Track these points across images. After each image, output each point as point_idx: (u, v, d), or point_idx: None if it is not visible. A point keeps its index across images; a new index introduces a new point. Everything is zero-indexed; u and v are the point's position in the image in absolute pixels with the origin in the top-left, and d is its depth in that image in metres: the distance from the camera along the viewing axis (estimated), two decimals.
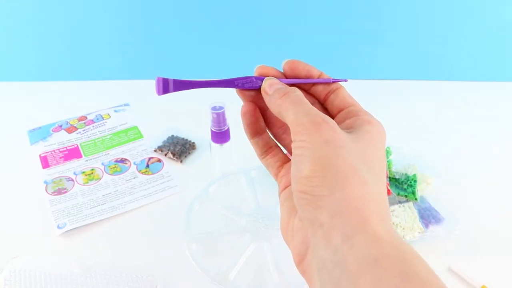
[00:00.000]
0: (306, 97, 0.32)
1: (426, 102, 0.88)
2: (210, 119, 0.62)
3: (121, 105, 0.88)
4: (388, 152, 0.70)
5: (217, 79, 0.33)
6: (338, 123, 0.31)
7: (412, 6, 0.87)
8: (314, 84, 0.33)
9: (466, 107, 0.87)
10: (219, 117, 0.61)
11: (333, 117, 0.32)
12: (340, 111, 0.32)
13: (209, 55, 0.94)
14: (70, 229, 0.62)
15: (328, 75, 0.34)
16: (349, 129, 0.30)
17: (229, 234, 0.60)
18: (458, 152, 0.75)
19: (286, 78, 0.33)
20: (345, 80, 0.34)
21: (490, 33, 0.88)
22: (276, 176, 0.34)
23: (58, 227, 0.62)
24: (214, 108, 0.60)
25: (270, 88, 0.32)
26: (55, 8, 0.89)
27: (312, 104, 0.33)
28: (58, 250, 0.60)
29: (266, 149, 0.34)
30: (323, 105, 0.34)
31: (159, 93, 0.33)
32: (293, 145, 0.29)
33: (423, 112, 0.85)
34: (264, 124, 0.34)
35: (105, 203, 0.66)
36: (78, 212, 0.65)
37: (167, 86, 0.32)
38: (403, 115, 0.84)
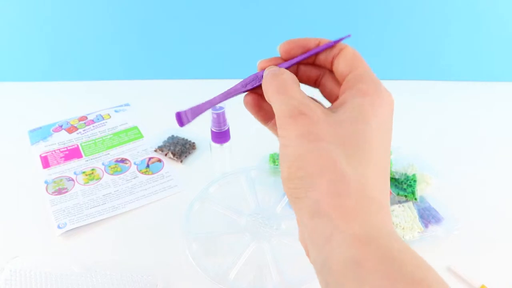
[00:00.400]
0: (314, 70, 0.30)
1: (426, 102, 0.88)
2: (210, 119, 0.62)
3: (122, 105, 0.89)
4: None
5: (222, 93, 0.33)
6: (341, 93, 0.28)
7: (411, 6, 0.87)
8: (317, 54, 0.31)
9: (466, 107, 0.87)
10: (219, 117, 0.61)
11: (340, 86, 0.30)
12: (345, 77, 0.29)
13: (209, 55, 0.94)
14: (71, 229, 0.62)
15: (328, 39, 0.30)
16: (342, 105, 0.27)
17: (229, 234, 0.60)
18: (458, 152, 0.75)
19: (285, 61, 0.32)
20: (348, 36, 0.31)
21: (490, 33, 0.88)
22: None
23: (59, 227, 0.62)
24: (214, 108, 0.60)
25: (267, 76, 0.30)
26: (55, 9, 0.89)
27: (323, 75, 0.31)
28: (59, 250, 0.60)
29: None
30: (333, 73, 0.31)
31: (180, 125, 0.33)
32: (278, 139, 0.27)
33: (423, 112, 0.85)
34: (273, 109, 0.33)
35: (105, 203, 0.66)
36: (78, 212, 0.65)
37: (184, 117, 0.33)
38: (402, 115, 0.84)
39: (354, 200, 0.24)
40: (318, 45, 0.31)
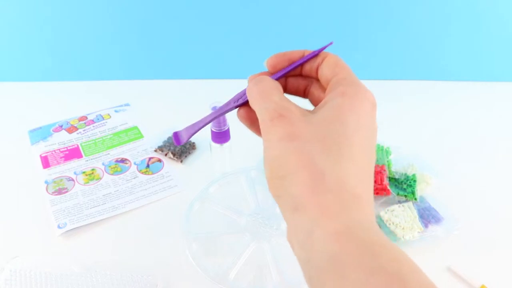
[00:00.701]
0: (302, 80, 0.31)
1: (426, 102, 0.88)
2: None
3: (122, 105, 0.89)
4: (388, 152, 0.70)
5: (216, 110, 0.34)
6: (326, 95, 0.29)
7: (411, 6, 0.87)
8: (303, 65, 0.32)
9: (466, 107, 0.87)
10: (219, 117, 0.61)
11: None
12: (328, 84, 0.30)
13: (209, 55, 0.94)
14: (71, 229, 0.62)
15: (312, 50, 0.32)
16: (322, 106, 0.28)
17: (229, 234, 0.60)
18: (458, 152, 0.75)
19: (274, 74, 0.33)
20: (330, 43, 0.32)
21: (490, 33, 0.88)
22: None
23: (59, 227, 0.62)
24: (214, 108, 0.60)
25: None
26: (55, 9, 0.89)
27: (311, 85, 0.32)
28: (59, 250, 0.60)
29: None
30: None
31: (177, 144, 0.36)
32: (263, 144, 0.29)
33: (423, 112, 0.85)
34: None
35: (105, 203, 0.66)
36: (78, 212, 0.65)
37: (181, 136, 0.36)
38: (402, 115, 0.84)
39: (332, 196, 0.25)
40: (302, 56, 0.32)
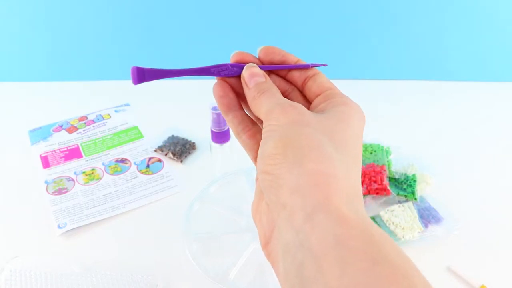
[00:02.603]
0: (284, 83, 0.33)
1: (426, 102, 0.88)
2: (210, 119, 0.62)
3: (122, 105, 0.89)
4: (388, 152, 0.70)
5: (193, 68, 0.33)
6: (314, 107, 0.31)
7: (411, 6, 0.87)
8: (290, 70, 0.33)
9: (466, 107, 0.87)
10: (219, 117, 0.61)
11: (311, 103, 0.32)
12: (317, 96, 0.32)
13: (209, 55, 0.94)
14: (71, 229, 0.62)
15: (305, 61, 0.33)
16: (322, 111, 0.29)
17: (229, 234, 0.60)
18: (458, 152, 0.75)
19: (262, 64, 0.33)
20: (325, 65, 0.33)
21: (490, 33, 0.88)
22: (254, 160, 0.33)
23: (59, 227, 0.62)
24: (214, 108, 0.60)
25: (250, 80, 0.31)
26: (55, 9, 0.89)
27: (291, 91, 0.33)
28: (59, 250, 0.60)
29: (243, 127, 0.33)
30: (302, 92, 0.33)
31: (134, 83, 0.33)
32: (263, 131, 0.29)
33: (423, 112, 0.85)
34: (238, 101, 0.33)
35: (105, 203, 0.66)
36: (78, 212, 0.65)
37: (142, 75, 0.32)
38: (403, 115, 0.84)
39: (340, 182, 0.25)
40: (296, 63, 0.33)
